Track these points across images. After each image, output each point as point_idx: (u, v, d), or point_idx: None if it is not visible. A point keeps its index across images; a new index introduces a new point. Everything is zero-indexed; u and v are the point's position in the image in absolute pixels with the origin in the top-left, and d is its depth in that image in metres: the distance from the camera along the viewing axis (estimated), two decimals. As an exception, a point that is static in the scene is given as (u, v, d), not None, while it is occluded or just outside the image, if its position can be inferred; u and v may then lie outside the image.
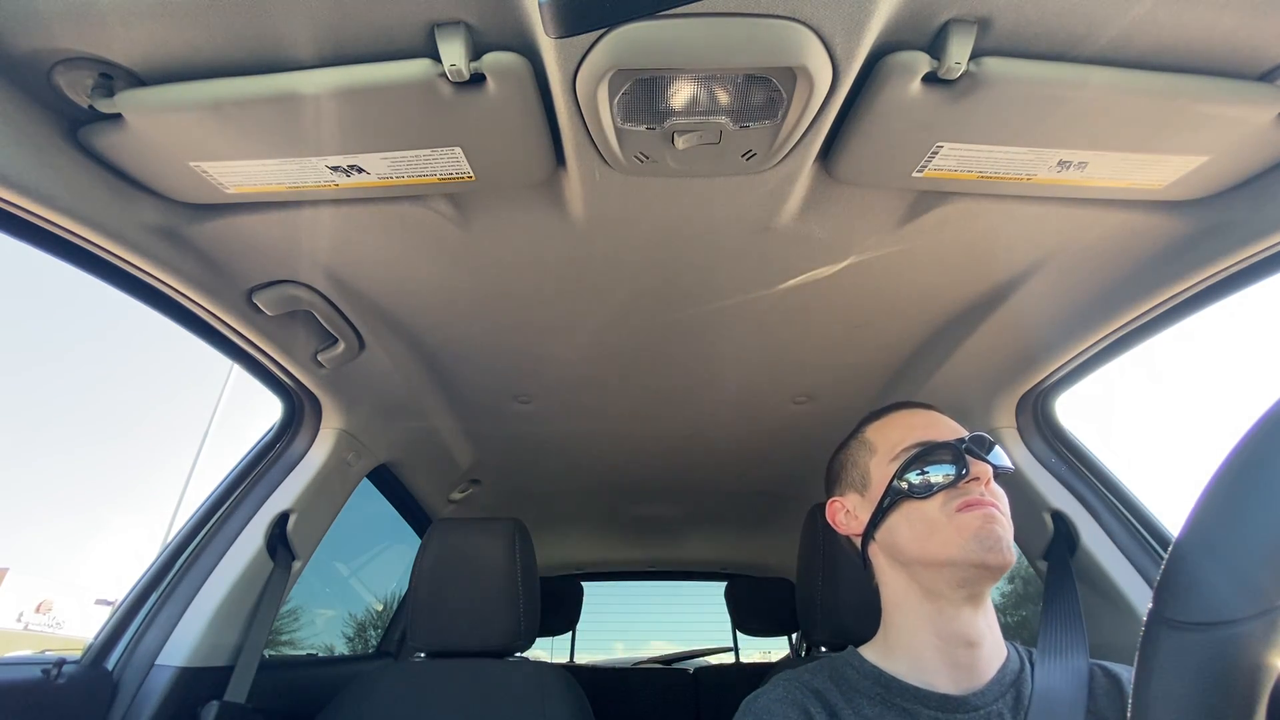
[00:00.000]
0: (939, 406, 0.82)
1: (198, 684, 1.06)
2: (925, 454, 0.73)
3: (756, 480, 1.96)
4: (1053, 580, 1.07)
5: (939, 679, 0.69)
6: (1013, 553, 0.68)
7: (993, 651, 0.70)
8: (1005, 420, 1.33)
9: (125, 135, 0.71)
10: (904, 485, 0.73)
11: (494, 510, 2.18)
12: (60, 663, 0.92)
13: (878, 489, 0.76)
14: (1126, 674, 0.71)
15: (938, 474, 0.72)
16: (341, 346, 1.18)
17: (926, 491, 0.71)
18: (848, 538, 0.82)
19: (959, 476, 0.70)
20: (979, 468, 0.71)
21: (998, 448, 0.74)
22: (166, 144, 0.72)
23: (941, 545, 0.69)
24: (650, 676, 2.48)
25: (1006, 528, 0.69)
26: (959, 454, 0.72)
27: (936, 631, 0.70)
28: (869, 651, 0.75)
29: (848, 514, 0.81)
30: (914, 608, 0.72)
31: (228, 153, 0.73)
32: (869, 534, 0.77)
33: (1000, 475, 0.73)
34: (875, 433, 0.81)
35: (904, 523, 0.73)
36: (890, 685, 0.69)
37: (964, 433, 0.75)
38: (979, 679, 0.68)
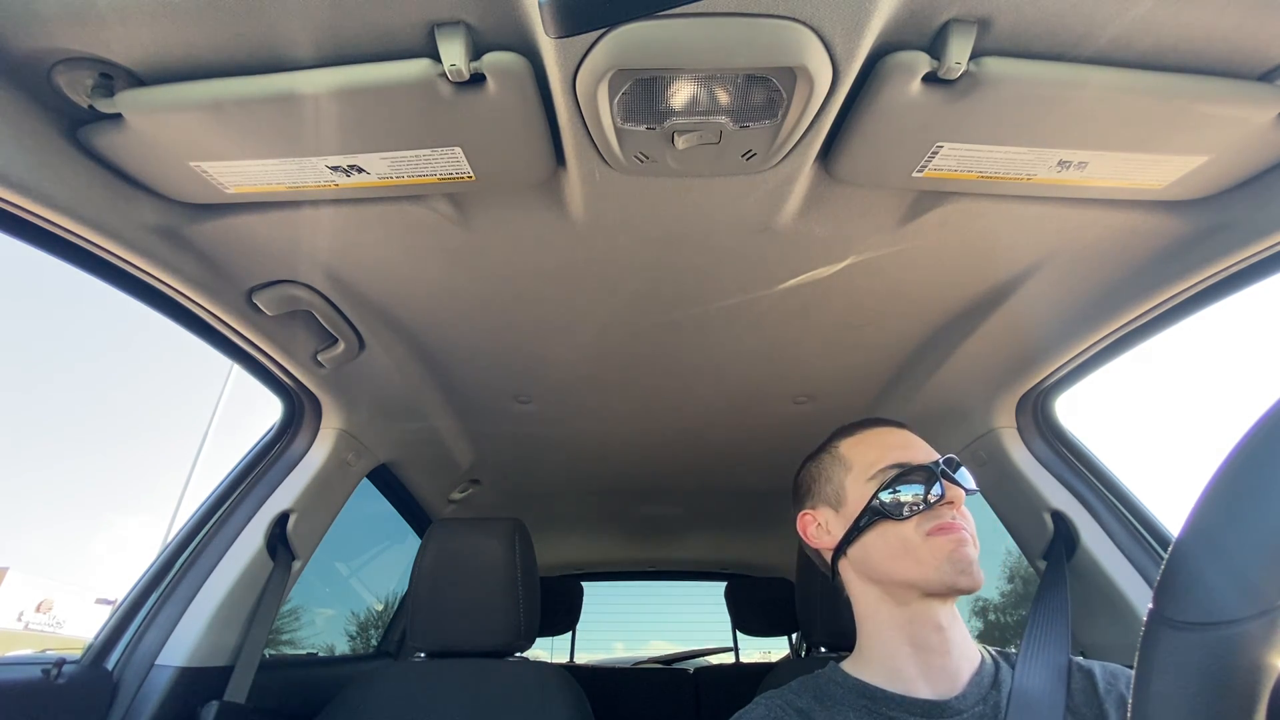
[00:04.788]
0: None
1: (198, 684, 1.06)
2: (903, 475, 0.75)
3: (756, 480, 1.96)
4: (1047, 579, 1.07)
5: (918, 685, 0.70)
6: (982, 575, 0.70)
7: (965, 656, 0.72)
8: (1005, 420, 1.33)
9: (125, 135, 0.71)
10: (882, 505, 0.74)
11: (494, 510, 2.18)
12: (60, 662, 0.92)
13: (854, 506, 0.77)
14: (1099, 669, 0.72)
15: (914, 495, 0.73)
16: (341, 346, 1.18)
17: (903, 513, 0.73)
18: (816, 550, 0.83)
19: (934, 500, 0.72)
20: (953, 492, 0.73)
21: (964, 469, 0.77)
22: (166, 144, 0.72)
23: (914, 565, 0.71)
24: (650, 676, 2.48)
25: (975, 550, 0.71)
26: (934, 477, 0.74)
27: (910, 639, 0.72)
28: (850, 665, 0.76)
29: (819, 527, 0.82)
30: (887, 617, 0.74)
31: (228, 153, 0.73)
32: (841, 549, 0.78)
33: (968, 495, 0.75)
34: (850, 449, 0.82)
35: (879, 541, 0.74)
36: (874, 696, 0.70)
37: (936, 455, 0.77)
38: (956, 683, 0.70)
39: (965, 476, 0.75)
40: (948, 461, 0.75)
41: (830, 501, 0.81)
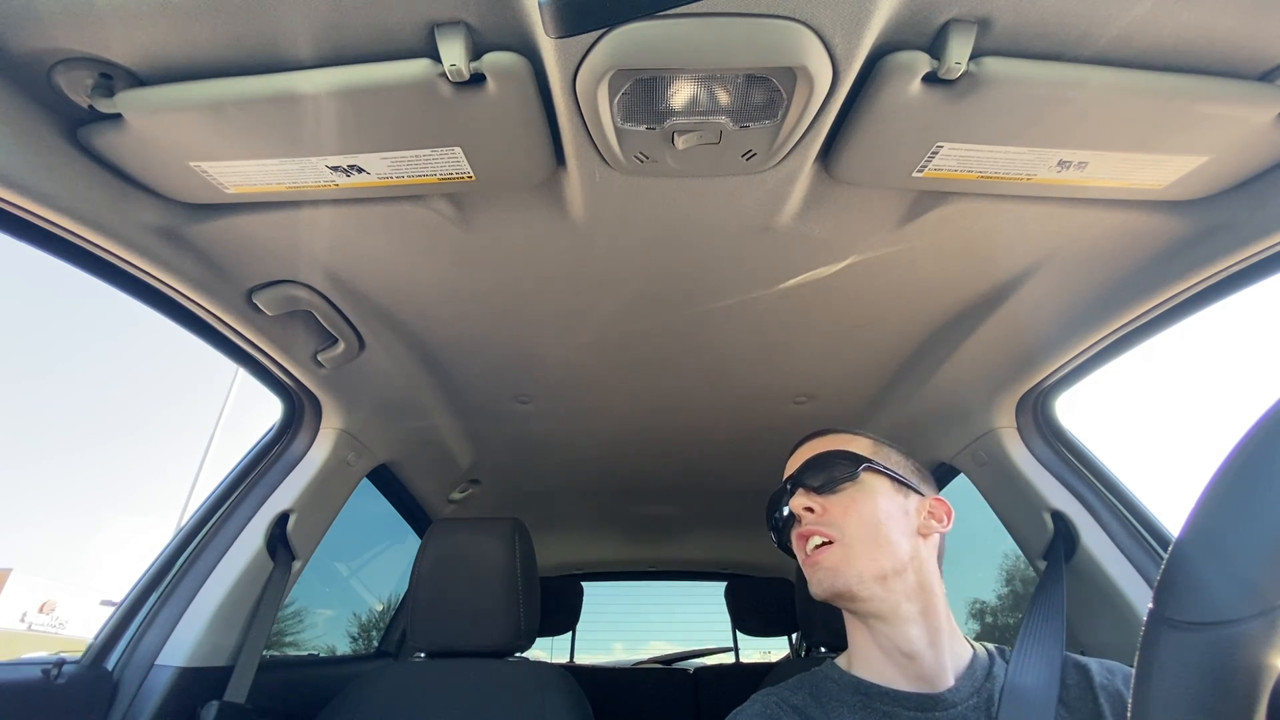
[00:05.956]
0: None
1: (198, 684, 1.06)
2: (771, 505, 0.83)
3: (756, 480, 1.96)
4: (1045, 579, 1.07)
5: (903, 685, 0.71)
6: (849, 577, 0.70)
7: (944, 657, 0.71)
8: (1005, 420, 1.33)
9: (125, 135, 0.71)
10: (774, 536, 0.83)
11: (494, 510, 2.18)
12: (60, 663, 0.92)
13: None
14: (1095, 665, 0.72)
15: (780, 519, 0.80)
16: (341, 346, 1.18)
17: (781, 539, 0.82)
18: None
19: (784, 518, 0.79)
20: (794, 502, 0.77)
21: (836, 462, 0.77)
22: (166, 144, 0.72)
23: (811, 584, 0.75)
24: (650, 676, 2.48)
25: (841, 556, 0.72)
26: (787, 494, 0.79)
27: (876, 644, 0.73)
28: (845, 662, 0.78)
29: None
30: (853, 625, 0.77)
31: (228, 153, 0.73)
32: None
33: (828, 490, 0.76)
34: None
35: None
36: (869, 691, 0.71)
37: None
38: (943, 680, 0.70)
39: (827, 472, 0.77)
40: (802, 468, 0.79)
41: None
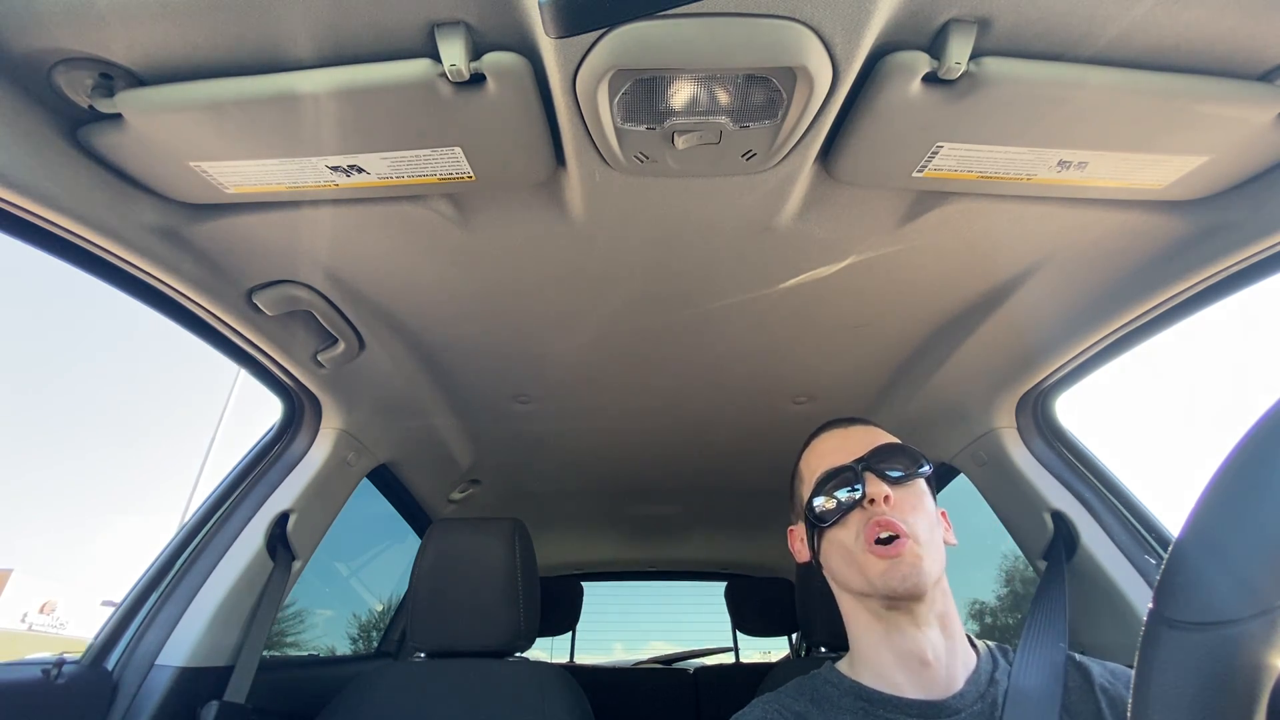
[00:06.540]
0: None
1: (198, 684, 1.06)
2: (826, 480, 0.75)
3: (756, 480, 1.96)
4: (1046, 579, 1.07)
5: (909, 691, 0.70)
6: (925, 576, 0.67)
7: (956, 663, 0.71)
8: (1005, 420, 1.33)
9: (125, 135, 0.71)
10: (813, 514, 0.75)
11: (494, 510, 2.18)
12: (60, 663, 0.92)
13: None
14: (1097, 667, 0.72)
15: (839, 499, 0.73)
16: (341, 346, 1.18)
17: (831, 519, 0.73)
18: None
19: (859, 500, 0.71)
20: (873, 487, 0.71)
21: (906, 455, 0.74)
22: (166, 144, 0.72)
23: (859, 575, 0.70)
24: (650, 676, 2.48)
25: (917, 554, 0.68)
26: (856, 475, 0.73)
27: (891, 648, 0.71)
28: (845, 666, 0.76)
29: (801, 542, 0.82)
30: (867, 627, 0.73)
31: (228, 153, 0.73)
32: (816, 561, 0.79)
33: (904, 482, 0.72)
34: (805, 461, 0.83)
35: (830, 551, 0.75)
36: (871, 698, 0.70)
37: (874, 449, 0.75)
38: (951, 686, 0.69)
39: (906, 463, 0.74)
40: (874, 453, 0.74)
41: (799, 515, 0.82)
